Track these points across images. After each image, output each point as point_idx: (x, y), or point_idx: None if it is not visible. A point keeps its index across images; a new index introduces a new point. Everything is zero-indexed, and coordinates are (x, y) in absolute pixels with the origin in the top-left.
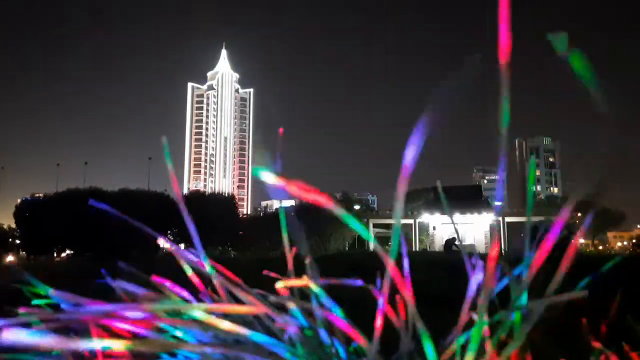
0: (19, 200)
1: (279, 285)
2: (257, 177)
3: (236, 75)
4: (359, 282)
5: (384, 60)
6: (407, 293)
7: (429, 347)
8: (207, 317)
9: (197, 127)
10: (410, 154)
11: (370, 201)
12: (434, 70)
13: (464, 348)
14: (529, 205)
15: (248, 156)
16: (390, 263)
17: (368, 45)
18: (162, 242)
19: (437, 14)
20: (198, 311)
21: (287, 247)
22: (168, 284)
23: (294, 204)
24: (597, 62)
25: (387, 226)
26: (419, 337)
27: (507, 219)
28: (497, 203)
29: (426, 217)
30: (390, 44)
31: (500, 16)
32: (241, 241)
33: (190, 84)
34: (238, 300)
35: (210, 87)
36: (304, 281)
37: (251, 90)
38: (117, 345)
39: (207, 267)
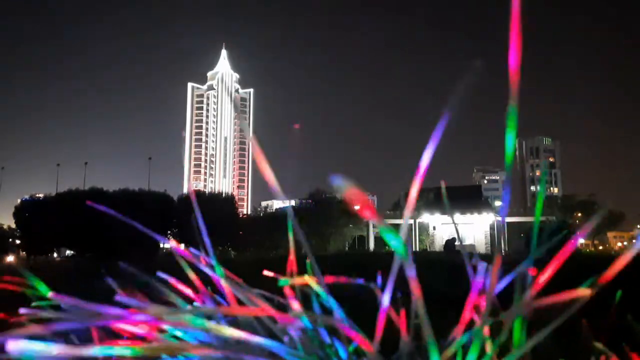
0: (19, 201)
1: (283, 282)
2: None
3: (236, 76)
4: (359, 281)
5: (384, 58)
6: (416, 292)
7: (432, 348)
8: (207, 323)
9: (197, 127)
10: (427, 157)
11: (370, 201)
12: (434, 69)
13: (465, 348)
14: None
15: (248, 156)
16: (399, 262)
17: (369, 41)
18: (170, 244)
19: (439, 14)
20: (200, 317)
21: (292, 248)
22: (173, 280)
23: (294, 204)
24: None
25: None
26: (420, 337)
27: (507, 219)
28: (498, 203)
29: (426, 217)
30: (390, 42)
31: (512, 27)
32: (241, 241)
33: (190, 84)
34: (240, 301)
35: (210, 87)
36: (306, 280)
37: (251, 90)
38: (122, 352)
39: (216, 269)
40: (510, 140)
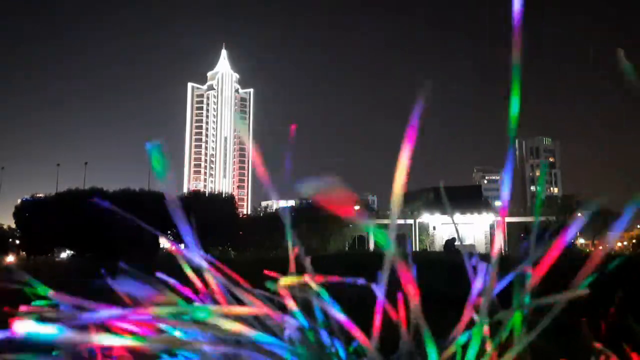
0: (19, 201)
1: (281, 282)
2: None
3: (236, 76)
4: (361, 281)
5: (384, 58)
6: (411, 291)
7: (431, 348)
8: (210, 319)
9: (197, 127)
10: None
11: (370, 201)
12: (434, 69)
13: (464, 348)
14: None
15: (248, 156)
16: (394, 261)
17: (369, 41)
18: (164, 242)
19: (439, 14)
20: (201, 313)
21: (290, 248)
22: (172, 281)
23: (294, 204)
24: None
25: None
26: (419, 336)
27: (507, 219)
28: (498, 203)
29: (426, 217)
30: (390, 42)
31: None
32: (241, 241)
33: (190, 84)
34: (238, 300)
35: (210, 87)
36: (304, 278)
37: (251, 90)
38: (118, 342)
39: (201, 262)
40: (515, 103)
